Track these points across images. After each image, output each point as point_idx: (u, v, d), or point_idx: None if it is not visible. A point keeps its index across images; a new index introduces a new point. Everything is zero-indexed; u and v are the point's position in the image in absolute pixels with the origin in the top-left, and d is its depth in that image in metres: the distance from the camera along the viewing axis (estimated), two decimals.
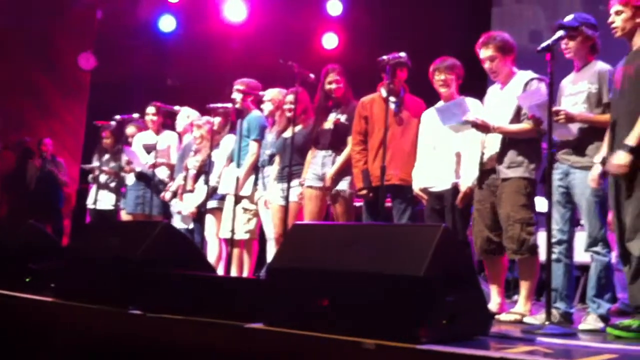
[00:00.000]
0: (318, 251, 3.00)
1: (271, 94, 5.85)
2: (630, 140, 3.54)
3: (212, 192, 6.00)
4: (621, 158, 3.56)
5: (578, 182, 4.01)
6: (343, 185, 5.22)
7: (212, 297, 3.36)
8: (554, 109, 3.89)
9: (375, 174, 4.87)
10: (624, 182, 3.63)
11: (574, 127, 4.01)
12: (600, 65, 4.08)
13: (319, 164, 5.30)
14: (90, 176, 7.61)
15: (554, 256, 3.93)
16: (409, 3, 8.69)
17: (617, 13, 3.76)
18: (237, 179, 5.58)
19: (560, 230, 4.07)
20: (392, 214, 5.05)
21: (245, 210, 5.86)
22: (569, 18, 4.08)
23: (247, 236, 5.86)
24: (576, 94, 4.10)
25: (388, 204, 5.12)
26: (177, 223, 6.46)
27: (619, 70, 3.79)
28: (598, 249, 3.95)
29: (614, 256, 4.18)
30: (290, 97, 5.47)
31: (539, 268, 4.36)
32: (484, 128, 4.36)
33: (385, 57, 4.68)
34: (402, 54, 4.65)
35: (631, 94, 3.66)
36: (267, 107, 5.87)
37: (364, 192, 5.00)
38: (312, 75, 5.16)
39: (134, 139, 7.17)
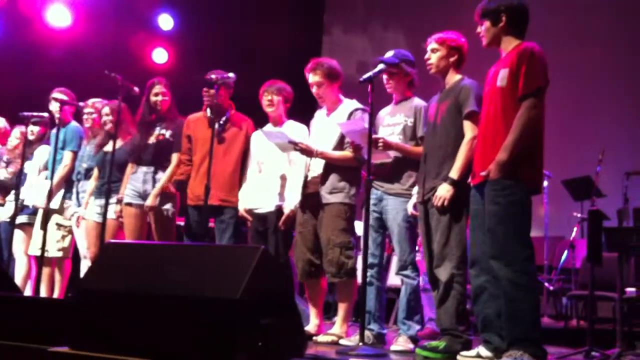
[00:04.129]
0: (131, 272, 2.87)
1: (95, 105, 5.59)
2: (453, 173, 3.76)
3: (23, 206, 5.62)
4: (445, 190, 3.76)
5: (391, 208, 4.20)
6: (167, 204, 5.07)
7: (14, 318, 3.11)
8: (374, 137, 4.06)
9: (196, 193, 4.81)
10: (434, 211, 3.83)
11: (391, 152, 4.20)
12: (417, 102, 4.32)
13: (140, 180, 5.12)
14: None
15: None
16: (242, 24, 8.74)
17: (433, 51, 3.99)
18: (50, 192, 5.24)
19: (372, 254, 4.22)
20: None
21: (60, 226, 5.55)
22: (389, 54, 4.28)
23: (60, 254, 5.56)
24: (393, 125, 4.31)
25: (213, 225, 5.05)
26: None
27: (433, 105, 4.03)
28: (408, 272, 4.14)
29: (421, 280, 4.39)
30: (106, 109, 5.29)
31: (356, 291, 4.48)
32: (307, 152, 4.44)
33: (213, 75, 4.65)
34: (231, 74, 4.64)
35: (442, 129, 3.90)
36: (90, 118, 5.60)
37: None
38: (136, 89, 5.00)
39: None
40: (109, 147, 5.12)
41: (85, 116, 5.65)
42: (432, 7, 8.80)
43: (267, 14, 8.89)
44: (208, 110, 4.97)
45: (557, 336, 5.40)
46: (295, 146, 4.42)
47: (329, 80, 4.56)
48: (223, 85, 4.76)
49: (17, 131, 6.05)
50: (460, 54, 3.97)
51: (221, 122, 4.90)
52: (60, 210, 5.56)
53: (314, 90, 4.60)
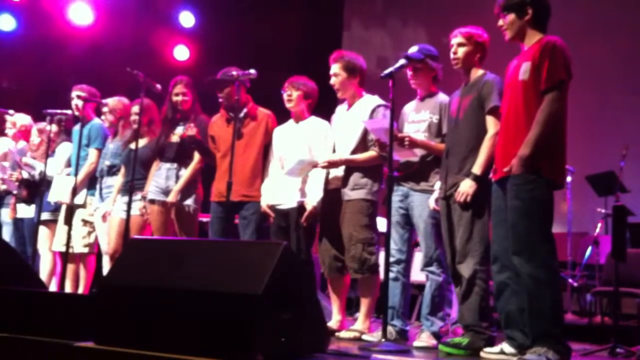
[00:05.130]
0: (155, 267, 2.89)
1: (112, 104, 5.64)
2: (476, 169, 3.74)
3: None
4: (467, 186, 3.74)
5: (417, 204, 4.19)
6: (188, 200, 5.10)
7: (39, 314, 3.15)
8: (400, 135, 4.05)
9: (219, 189, 4.86)
10: (456, 207, 3.82)
11: (417, 150, 4.19)
12: (442, 97, 4.30)
13: (163, 177, 5.15)
14: None
15: (391, 275, 4.06)
16: (262, 20, 8.75)
17: (460, 45, 3.96)
18: (74, 188, 5.29)
19: (399, 250, 4.22)
20: None
21: (86, 222, 5.60)
22: (413, 50, 4.26)
23: (85, 250, 5.60)
24: (418, 122, 4.30)
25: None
26: (6, 234, 6.05)
27: (455, 100, 4.01)
28: (433, 268, 4.13)
29: None
30: (136, 108, 5.32)
31: (379, 286, 4.47)
32: (333, 165, 4.47)
33: (234, 72, 4.66)
34: (252, 71, 4.64)
35: (465, 124, 3.88)
36: (108, 117, 5.66)
37: None
38: (158, 86, 5.03)
39: None
40: (134, 145, 5.16)
41: (102, 116, 5.72)
42: (451, 1, 8.75)
43: (287, 10, 8.88)
44: (225, 108, 5.01)
45: (581, 333, 5.36)
46: (321, 167, 4.46)
47: (347, 73, 4.56)
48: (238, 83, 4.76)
49: (35, 129, 6.10)
50: (484, 50, 3.96)
51: (239, 117, 4.90)
52: (84, 207, 5.61)
53: (331, 80, 4.61)
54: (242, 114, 4.91)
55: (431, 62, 4.26)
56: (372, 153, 4.44)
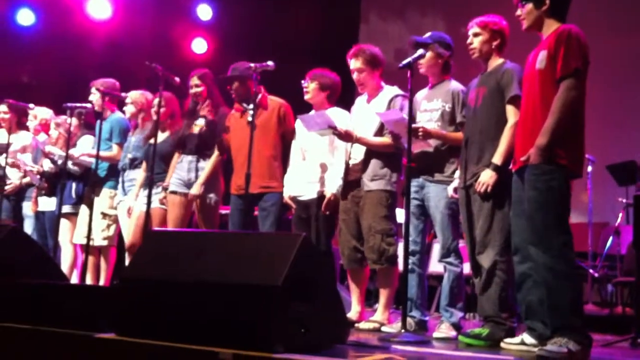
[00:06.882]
0: (175, 259, 2.91)
1: (133, 96, 5.67)
2: (496, 159, 3.71)
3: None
4: (488, 176, 3.72)
5: (433, 195, 4.17)
6: (211, 192, 5.11)
7: (61, 306, 3.18)
8: (413, 126, 4.03)
9: (238, 182, 4.85)
10: (476, 197, 3.80)
11: (431, 140, 4.17)
12: (454, 85, 4.26)
13: (185, 170, 5.17)
14: None
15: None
16: (280, 12, 8.76)
17: (475, 35, 3.94)
18: (94, 183, 5.34)
19: (414, 242, 4.19)
20: None
21: (105, 215, 5.64)
22: (425, 36, 4.24)
23: (105, 243, 5.65)
24: (431, 111, 4.27)
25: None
26: (28, 227, 6.11)
27: (473, 89, 3.97)
28: (451, 259, 4.11)
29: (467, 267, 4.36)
30: (156, 101, 5.35)
31: (397, 278, 4.47)
32: (347, 137, 4.43)
33: (252, 64, 4.66)
34: (270, 63, 4.64)
35: (483, 113, 3.85)
36: (130, 109, 5.70)
37: None
38: (177, 79, 5.04)
39: None
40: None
41: (124, 107, 5.75)
42: None
43: (304, 3, 8.88)
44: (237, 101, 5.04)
45: (602, 323, 5.31)
46: (334, 130, 4.40)
47: (370, 67, 4.53)
48: (247, 78, 4.77)
49: (53, 123, 6.14)
50: (502, 37, 3.92)
51: (251, 109, 4.87)
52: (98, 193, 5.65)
53: (354, 76, 4.58)
54: (251, 105, 4.91)
55: (439, 48, 4.22)
56: (385, 139, 4.42)
